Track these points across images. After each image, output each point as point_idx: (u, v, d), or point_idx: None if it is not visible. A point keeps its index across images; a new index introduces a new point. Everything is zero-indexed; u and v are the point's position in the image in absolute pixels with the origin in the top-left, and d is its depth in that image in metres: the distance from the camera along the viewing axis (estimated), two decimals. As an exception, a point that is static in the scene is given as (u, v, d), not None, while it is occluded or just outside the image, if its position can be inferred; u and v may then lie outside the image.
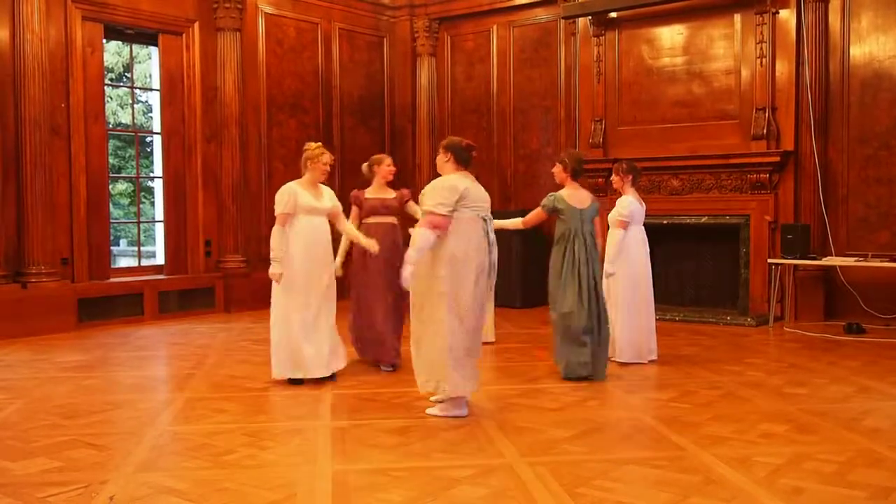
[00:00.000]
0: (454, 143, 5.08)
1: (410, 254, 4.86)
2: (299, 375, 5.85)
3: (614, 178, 6.88)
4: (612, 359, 6.58)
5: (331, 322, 5.95)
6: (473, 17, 11.35)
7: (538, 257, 10.02)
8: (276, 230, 5.83)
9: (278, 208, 5.81)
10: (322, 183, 6.03)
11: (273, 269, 5.77)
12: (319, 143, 6.06)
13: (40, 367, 6.60)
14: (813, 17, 8.75)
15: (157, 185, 10.05)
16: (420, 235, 4.81)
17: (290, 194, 5.81)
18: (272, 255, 5.81)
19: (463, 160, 5.02)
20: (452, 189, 4.85)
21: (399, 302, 6.31)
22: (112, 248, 10.91)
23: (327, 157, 5.97)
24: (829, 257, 8.62)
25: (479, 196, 5.00)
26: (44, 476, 3.90)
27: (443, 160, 5.05)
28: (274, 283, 5.84)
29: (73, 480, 3.81)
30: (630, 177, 6.75)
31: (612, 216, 6.67)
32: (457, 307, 4.82)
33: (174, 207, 9.78)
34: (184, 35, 9.69)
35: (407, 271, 4.84)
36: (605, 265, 6.64)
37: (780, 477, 3.80)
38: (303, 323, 5.80)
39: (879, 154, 8.64)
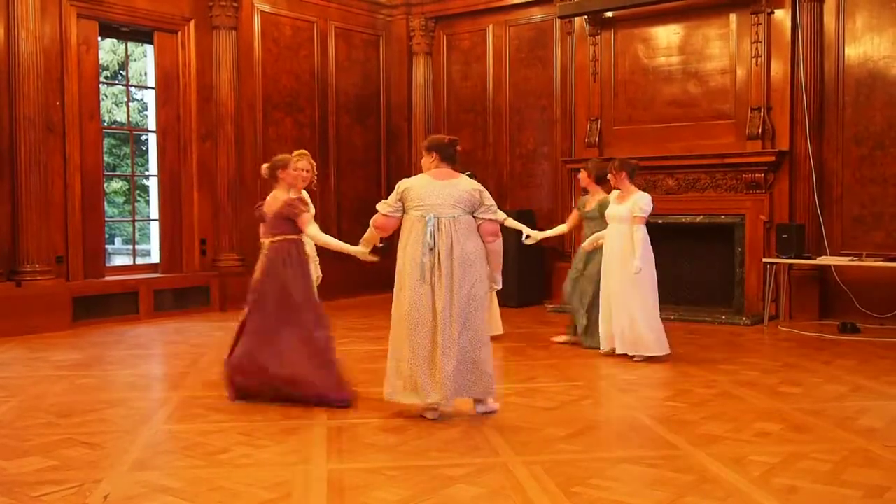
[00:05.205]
0: (436, 141, 4.98)
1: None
2: None
3: (609, 175, 6.89)
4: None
5: None
6: (469, 16, 11.34)
7: (534, 257, 10.07)
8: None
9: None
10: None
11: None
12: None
13: (35, 366, 6.58)
14: (808, 17, 8.76)
15: (153, 184, 10.03)
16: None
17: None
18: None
19: (448, 157, 4.93)
20: (397, 188, 4.88)
21: None
22: (107, 246, 10.89)
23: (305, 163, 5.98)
24: (823, 257, 8.63)
25: (426, 194, 4.77)
26: (38, 475, 3.89)
27: (429, 160, 4.94)
28: None
29: (67, 479, 3.80)
30: (623, 174, 6.75)
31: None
32: (398, 310, 4.82)
33: (169, 206, 9.75)
34: (179, 33, 9.67)
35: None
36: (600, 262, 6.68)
37: (775, 476, 3.81)
38: None
39: (874, 154, 8.66)
